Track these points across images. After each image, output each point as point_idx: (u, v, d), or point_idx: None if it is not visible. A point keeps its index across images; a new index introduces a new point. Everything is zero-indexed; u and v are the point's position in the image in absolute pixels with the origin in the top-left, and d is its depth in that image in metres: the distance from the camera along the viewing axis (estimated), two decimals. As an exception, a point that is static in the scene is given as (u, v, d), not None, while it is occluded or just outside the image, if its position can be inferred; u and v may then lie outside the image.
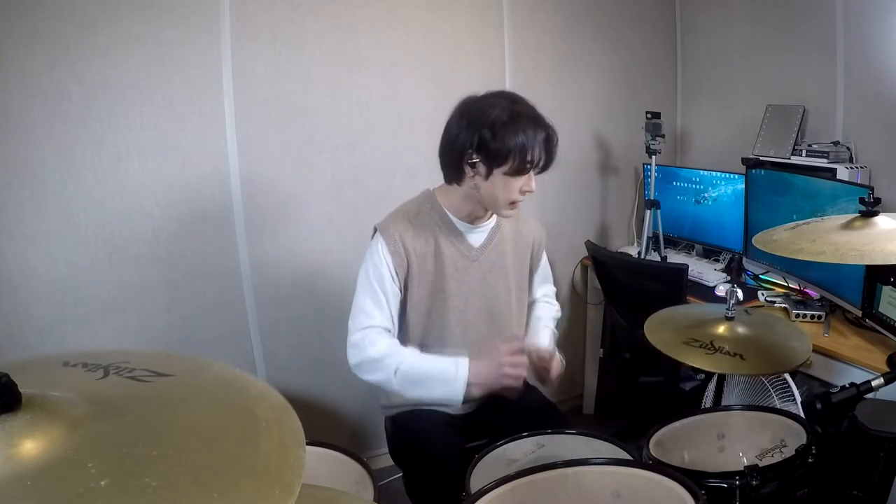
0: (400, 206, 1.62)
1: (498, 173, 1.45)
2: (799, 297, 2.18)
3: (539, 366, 1.62)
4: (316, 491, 0.98)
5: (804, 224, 1.34)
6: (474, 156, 1.45)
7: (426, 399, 1.52)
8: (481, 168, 1.46)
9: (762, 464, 1.23)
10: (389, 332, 1.53)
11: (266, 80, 2.15)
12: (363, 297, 1.53)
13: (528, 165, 1.46)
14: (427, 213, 1.57)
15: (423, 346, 1.57)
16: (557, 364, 1.63)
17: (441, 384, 1.47)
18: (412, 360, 1.49)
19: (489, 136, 1.42)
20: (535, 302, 1.84)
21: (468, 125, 1.44)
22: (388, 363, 1.47)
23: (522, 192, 1.50)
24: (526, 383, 1.78)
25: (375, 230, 1.56)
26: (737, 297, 1.66)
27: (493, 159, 1.44)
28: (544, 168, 1.50)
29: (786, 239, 1.25)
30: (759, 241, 1.31)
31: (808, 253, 1.16)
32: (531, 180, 1.49)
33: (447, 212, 1.57)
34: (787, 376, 1.86)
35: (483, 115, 1.43)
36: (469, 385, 1.46)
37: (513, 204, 1.52)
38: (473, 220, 1.59)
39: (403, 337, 1.58)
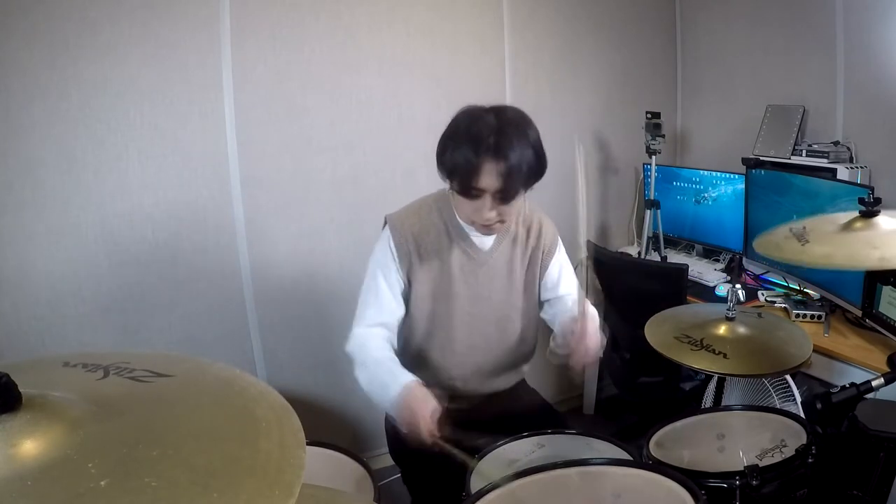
0: (414, 201, 1.60)
1: (452, 187, 1.40)
2: (799, 297, 2.18)
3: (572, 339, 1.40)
4: (316, 491, 0.98)
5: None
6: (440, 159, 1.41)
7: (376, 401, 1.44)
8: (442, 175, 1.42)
9: (762, 464, 1.23)
10: (384, 325, 1.51)
11: (266, 80, 2.15)
12: (367, 291, 1.53)
13: (473, 191, 1.34)
14: (438, 212, 1.54)
15: (428, 346, 1.57)
16: (587, 331, 1.39)
17: (381, 390, 1.39)
18: (371, 369, 1.43)
19: (442, 146, 1.38)
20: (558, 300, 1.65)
21: (448, 124, 1.40)
22: (362, 368, 1.44)
23: (484, 221, 1.40)
24: (526, 384, 1.78)
25: (385, 221, 1.55)
26: (737, 297, 1.66)
27: (443, 171, 1.40)
28: (504, 200, 1.36)
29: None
30: (759, 245, 1.30)
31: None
32: (484, 209, 1.36)
33: (456, 213, 1.52)
34: (788, 376, 1.86)
35: (459, 122, 1.37)
36: (396, 405, 1.34)
37: (480, 226, 1.44)
38: None
39: (409, 332, 1.57)
